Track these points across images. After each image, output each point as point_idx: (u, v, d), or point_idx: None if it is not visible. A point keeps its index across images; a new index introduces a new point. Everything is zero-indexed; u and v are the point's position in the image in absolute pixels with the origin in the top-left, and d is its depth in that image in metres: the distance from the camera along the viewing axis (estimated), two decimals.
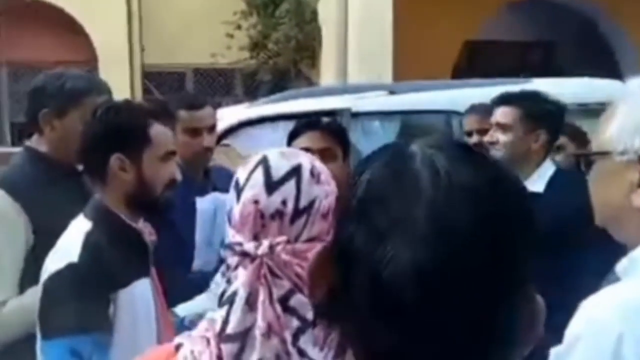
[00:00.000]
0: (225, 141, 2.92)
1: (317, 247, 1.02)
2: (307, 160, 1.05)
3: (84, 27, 8.55)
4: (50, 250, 1.54)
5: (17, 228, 1.77)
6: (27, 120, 1.95)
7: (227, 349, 0.97)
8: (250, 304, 0.97)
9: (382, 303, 0.53)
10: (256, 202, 0.99)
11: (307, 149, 1.91)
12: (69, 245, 1.51)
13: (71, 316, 1.44)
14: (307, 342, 0.97)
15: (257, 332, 0.95)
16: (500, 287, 0.53)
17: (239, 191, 1.03)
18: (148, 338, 1.55)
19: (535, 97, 2.40)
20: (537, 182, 2.27)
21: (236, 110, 3.35)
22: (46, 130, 1.89)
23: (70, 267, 1.46)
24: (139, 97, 8.38)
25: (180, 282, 2.09)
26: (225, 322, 0.98)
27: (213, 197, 2.35)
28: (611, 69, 5.37)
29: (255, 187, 1.01)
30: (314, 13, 7.63)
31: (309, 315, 0.99)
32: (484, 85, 3.45)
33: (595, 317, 0.89)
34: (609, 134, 1.02)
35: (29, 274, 1.74)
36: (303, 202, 1.00)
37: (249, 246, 0.98)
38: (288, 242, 0.98)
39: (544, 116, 2.34)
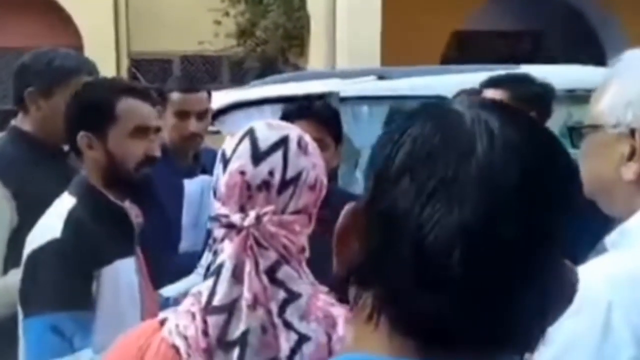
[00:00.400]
0: (212, 125, 2.89)
1: (303, 219, 1.02)
2: (294, 132, 1.04)
3: (69, 13, 8.46)
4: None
5: (1, 207, 1.74)
6: (13, 99, 1.91)
7: (213, 320, 0.96)
8: (237, 275, 0.97)
9: (426, 266, 0.51)
10: (242, 172, 0.99)
11: None
12: (52, 222, 1.49)
13: (53, 293, 1.41)
14: (293, 314, 0.97)
15: (243, 303, 0.95)
16: (544, 251, 0.53)
17: (226, 162, 1.02)
18: (132, 317, 1.53)
19: (523, 80, 2.40)
20: None
21: (223, 94, 3.32)
22: (32, 109, 1.85)
23: (52, 242, 1.44)
24: None
25: (168, 263, 2.08)
26: (212, 293, 0.98)
27: (201, 179, 2.34)
28: (600, 58, 5.39)
29: (241, 157, 1.00)
30: (303, 1, 7.59)
31: (296, 287, 0.99)
32: (473, 70, 3.44)
33: (585, 287, 0.89)
34: (601, 107, 1.02)
35: (12, 255, 1.72)
36: (290, 173, 0.99)
37: (236, 217, 0.97)
38: (274, 213, 0.98)
39: (533, 99, 2.33)
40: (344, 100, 3.13)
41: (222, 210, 1.00)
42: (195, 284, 1.89)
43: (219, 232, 1.00)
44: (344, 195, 1.97)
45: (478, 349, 0.53)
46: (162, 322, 1.02)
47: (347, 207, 0.59)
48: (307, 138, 1.06)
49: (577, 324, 0.87)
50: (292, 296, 0.98)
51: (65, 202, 1.54)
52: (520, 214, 0.51)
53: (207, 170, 2.32)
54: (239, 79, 8.77)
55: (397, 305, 0.54)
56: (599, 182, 1.04)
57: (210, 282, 0.99)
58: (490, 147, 0.52)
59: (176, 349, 0.97)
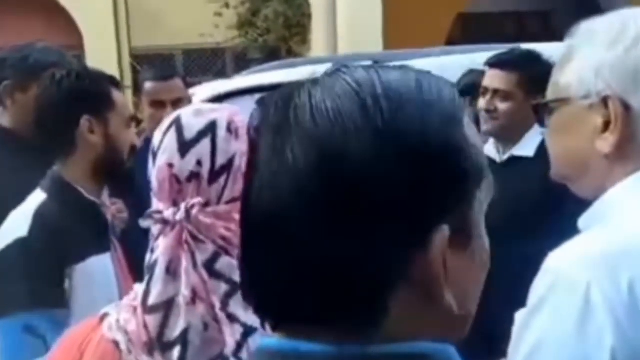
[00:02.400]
0: None
1: None
2: (224, 115, 0.99)
3: (69, 10, 8.44)
4: None
5: None
6: None
7: (151, 320, 0.94)
8: (172, 272, 0.94)
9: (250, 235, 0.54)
10: (170, 165, 0.95)
11: None
12: (19, 219, 1.46)
13: (23, 292, 1.39)
14: (237, 305, 0.93)
15: (182, 300, 0.92)
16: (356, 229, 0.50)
17: (155, 156, 0.98)
18: None
19: (531, 60, 2.26)
20: (527, 146, 2.18)
21: (216, 83, 3.27)
22: (8, 103, 1.84)
23: (19, 241, 1.41)
24: (128, 79, 8.30)
25: None
26: (147, 292, 0.95)
27: None
28: None
29: (167, 150, 0.96)
30: None
31: (237, 277, 0.92)
32: (472, 51, 3.35)
33: (561, 272, 0.85)
34: (567, 79, 0.96)
35: None
36: (220, 160, 0.95)
37: (168, 213, 0.94)
38: (207, 204, 0.94)
39: (541, 80, 2.20)
40: None
41: (157, 205, 0.97)
42: None
43: (155, 229, 0.97)
44: None
45: (322, 325, 0.51)
46: (103, 318, 0.99)
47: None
48: (240, 120, 1.00)
49: (556, 311, 0.83)
50: (235, 287, 0.93)
51: (34, 199, 1.50)
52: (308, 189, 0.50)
53: None
54: (243, 70, 8.71)
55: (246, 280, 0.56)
56: (572, 159, 0.98)
57: (145, 281, 0.96)
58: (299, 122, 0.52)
59: (116, 344, 0.94)
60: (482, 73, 2.44)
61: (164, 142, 0.97)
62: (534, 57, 2.26)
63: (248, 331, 0.93)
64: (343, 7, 6.33)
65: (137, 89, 3.17)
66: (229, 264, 0.94)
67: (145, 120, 2.33)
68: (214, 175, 0.95)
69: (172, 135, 0.97)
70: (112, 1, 8.54)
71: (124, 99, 1.63)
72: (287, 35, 7.72)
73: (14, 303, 1.39)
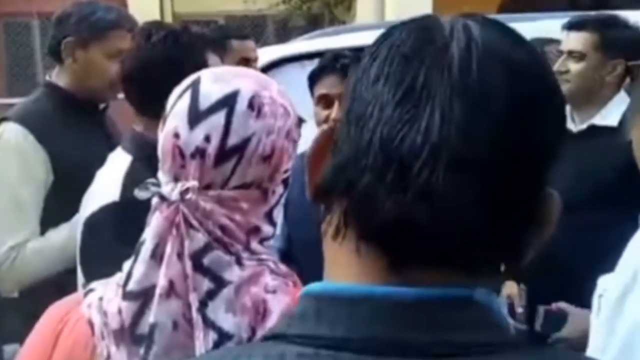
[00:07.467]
0: None
1: (254, 194, 0.85)
2: (250, 86, 0.85)
3: None
4: (70, 187, 1.47)
5: (36, 164, 1.70)
6: (49, 48, 1.87)
7: (126, 307, 0.83)
8: (157, 257, 0.83)
9: (392, 171, 0.48)
10: (176, 135, 0.84)
11: (325, 96, 1.78)
12: (110, 182, 1.41)
13: (115, 258, 1.36)
14: (218, 307, 0.81)
15: (157, 291, 0.81)
16: (525, 168, 0.50)
17: (164, 119, 0.86)
18: None
19: (613, 22, 2.15)
20: (610, 115, 2.06)
21: (269, 49, 3.20)
22: (68, 60, 1.82)
23: (111, 205, 1.37)
24: None
25: None
26: (129, 275, 0.84)
27: None
28: None
29: (177, 116, 0.84)
30: None
31: (227, 275, 0.82)
32: (533, 19, 3.20)
33: None
34: None
35: (49, 212, 1.70)
36: (233, 140, 0.83)
37: (167, 189, 0.83)
38: (209, 187, 0.83)
39: (623, 44, 2.09)
40: None
41: (160, 176, 0.86)
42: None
43: (154, 201, 0.86)
44: None
45: (445, 267, 0.49)
46: (87, 293, 0.89)
47: (323, 127, 0.51)
48: (269, 95, 0.86)
49: None
50: (220, 286, 0.82)
51: (121, 161, 1.45)
52: (495, 122, 0.48)
53: None
54: (285, 38, 8.61)
55: (363, 215, 0.50)
56: None
57: (130, 262, 0.86)
58: (467, 50, 0.49)
59: (92, 326, 0.84)
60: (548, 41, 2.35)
61: (176, 106, 0.85)
62: (614, 19, 2.14)
63: (222, 339, 0.80)
64: None
65: None
66: (220, 260, 0.82)
67: None
68: (222, 156, 0.83)
69: (185, 100, 0.85)
70: None
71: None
72: (330, 2, 7.58)
73: (105, 267, 1.37)
